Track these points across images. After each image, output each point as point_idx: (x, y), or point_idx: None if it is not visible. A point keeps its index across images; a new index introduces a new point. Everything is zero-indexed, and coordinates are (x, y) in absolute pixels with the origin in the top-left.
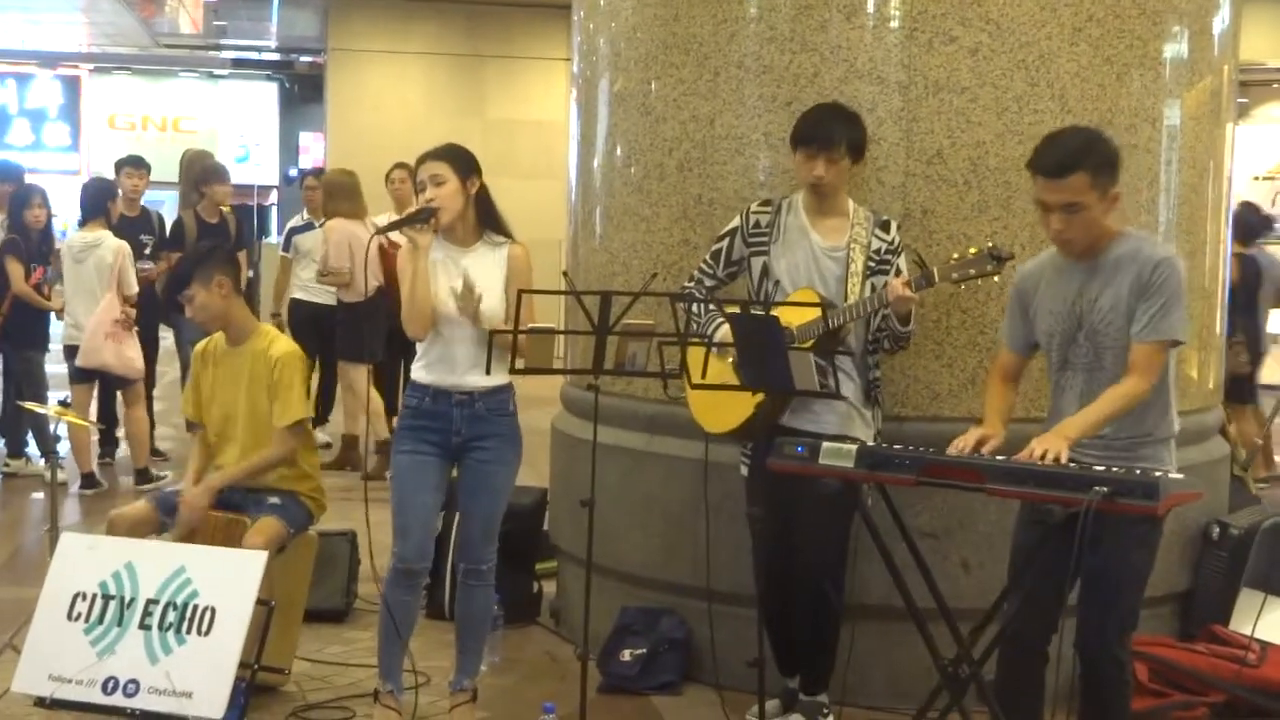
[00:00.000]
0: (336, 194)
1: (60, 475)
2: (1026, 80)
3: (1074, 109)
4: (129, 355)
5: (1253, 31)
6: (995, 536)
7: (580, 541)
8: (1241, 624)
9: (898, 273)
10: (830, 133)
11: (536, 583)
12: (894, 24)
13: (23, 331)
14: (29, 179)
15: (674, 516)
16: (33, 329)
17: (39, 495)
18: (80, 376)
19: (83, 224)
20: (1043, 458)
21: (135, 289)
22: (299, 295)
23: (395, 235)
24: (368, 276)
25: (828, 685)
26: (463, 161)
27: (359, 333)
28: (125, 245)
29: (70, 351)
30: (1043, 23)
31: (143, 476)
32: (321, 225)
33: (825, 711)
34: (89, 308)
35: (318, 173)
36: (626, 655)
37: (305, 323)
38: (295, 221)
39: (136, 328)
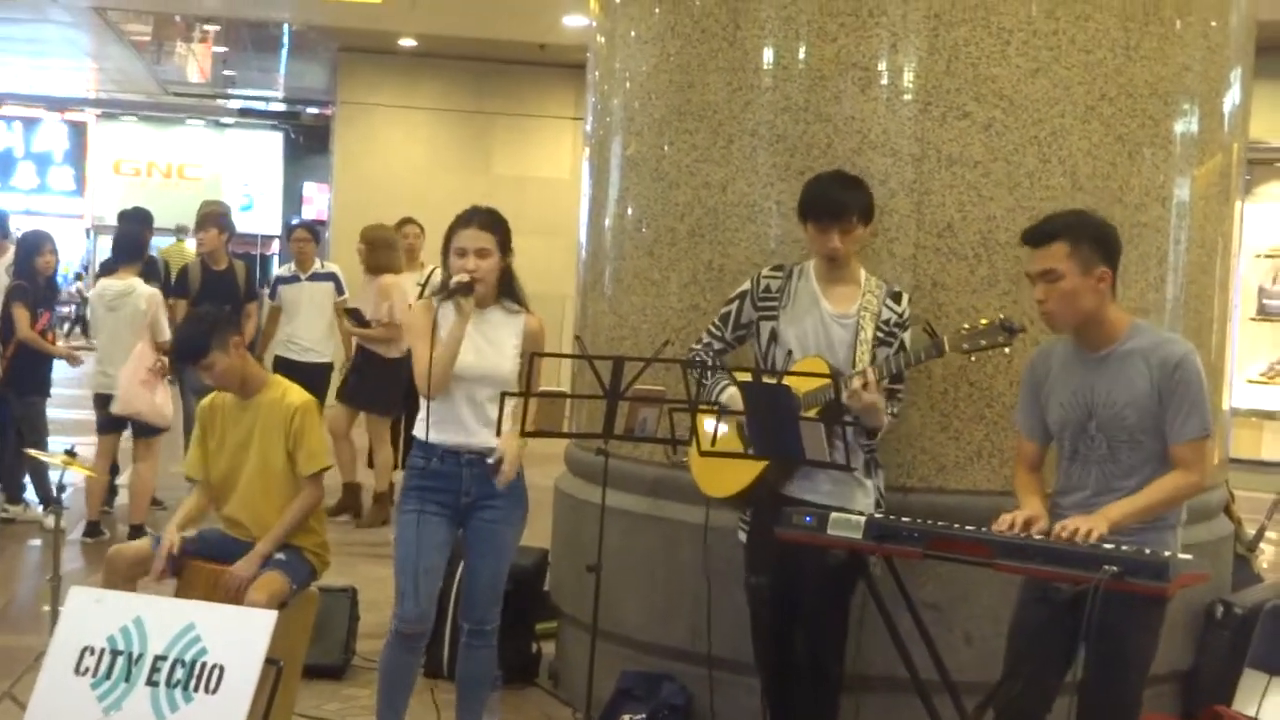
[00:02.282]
0: (383, 247)
1: (61, 523)
2: (1038, 156)
3: (1085, 185)
4: (159, 403)
5: (1256, 110)
6: (999, 609)
7: (582, 604)
8: (1245, 705)
9: (898, 353)
10: (841, 204)
11: (536, 643)
12: (908, 97)
13: (26, 377)
14: (35, 223)
15: (674, 581)
16: (36, 375)
17: (36, 542)
18: (108, 425)
19: (112, 270)
20: (1074, 534)
21: (168, 336)
22: (282, 353)
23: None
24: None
25: None
26: (506, 235)
27: (394, 388)
28: (158, 293)
29: (101, 400)
30: (1055, 100)
31: (136, 532)
32: (310, 277)
33: None
34: (122, 356)
35: (308, 224)
36: None
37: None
38: (283, 272)
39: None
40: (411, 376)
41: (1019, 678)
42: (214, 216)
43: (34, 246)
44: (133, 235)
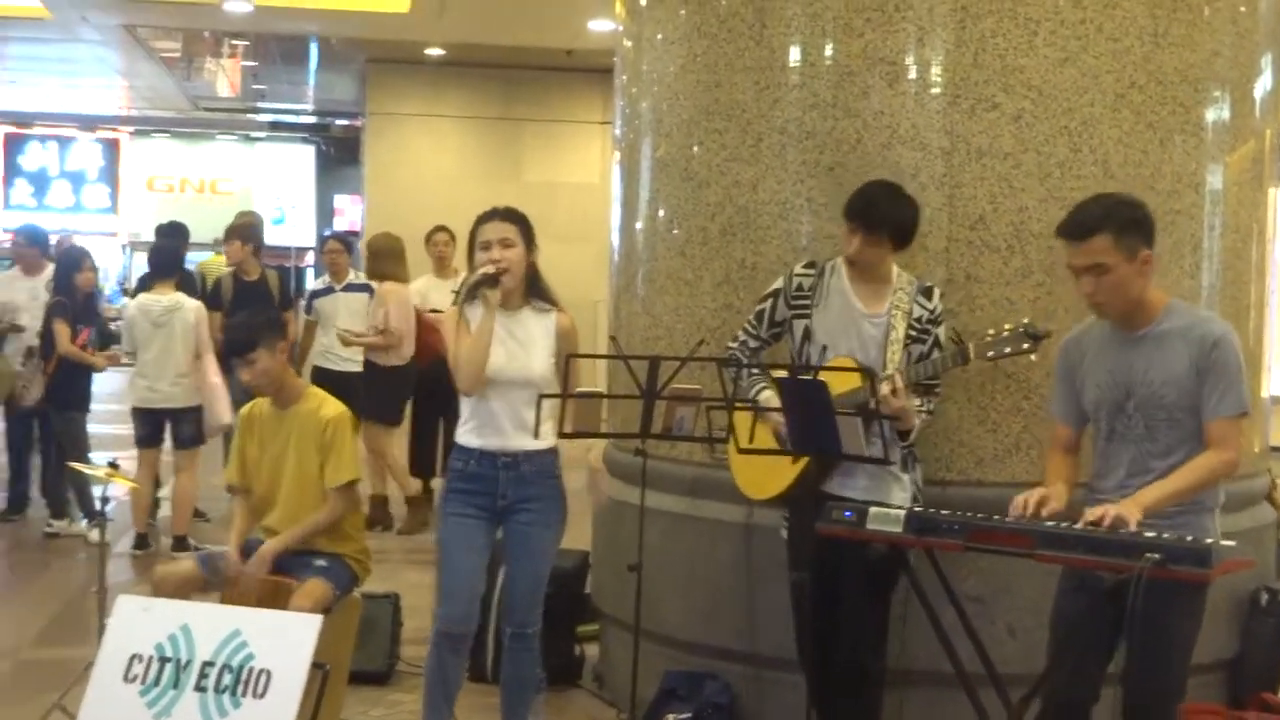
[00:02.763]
0: (386, 256)
1: (106, 536)
2: (1069, 146)
3: (1117, 174)
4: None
5: None
6: (1041, 601)
7: (624, 605)
8: None
9: (931, 351)
10: (877, 216)
11: (578, 646)
12: (936, 90)
13: (66, 392)
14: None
15: (715, 580)
16: (76, 390)
17: (82, 556)
18: (149, 439)
19: (148, 287)
20: (1102, 522)
21: (211, 349)
22: (320, 363)
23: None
24: (408, 341)
25: None
26: (528, 227)
27: (393, 396)
28: (202, 305)
29: (142, 414)
30: (1085, 89)
31: (180, 544)
32: (344, 288)
33: None
34: (171, 370)
35: (340, 235)
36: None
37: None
38: (317, 285)
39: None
40: (413, 384)
41: (1063, 668)
42: (238, 229)
43: (74, 263)
44: (169, 250)
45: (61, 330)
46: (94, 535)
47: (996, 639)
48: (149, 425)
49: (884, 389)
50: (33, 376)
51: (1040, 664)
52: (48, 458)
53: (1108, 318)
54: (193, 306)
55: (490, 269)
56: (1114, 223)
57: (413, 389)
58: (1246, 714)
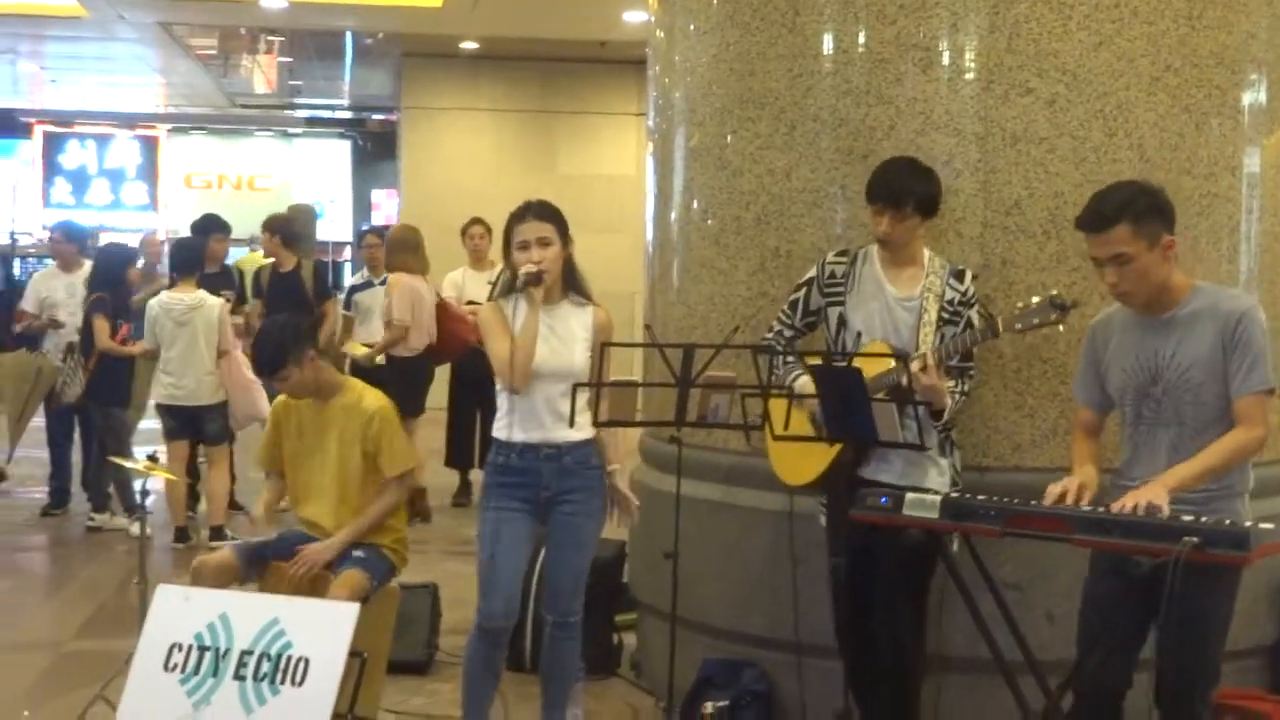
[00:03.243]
0: (398, 248)
1: (147, 529)
2: (1104, 130)
3: (1153, 158)
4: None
5: None
6: (1079, 587)
7: (661, 593)
8: None
9: (964, 331)
10: (899, 191)
11: (616, 634)
12: (970, 76)
13: (108, 387)
14: (112, 239)
15: (753, 568)
16: (117, 385)
17: (122, 549)
18: (177, 433)
19: (173, 284)
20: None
21: (232, 345)
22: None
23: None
24: (416, 333)
25: None
26: (563, 223)
27: (410, 387)
28: (224, 302)
29: (171, 411)
30: (1120, 73)
31: (217, 534)
32: (382, 282)
33: None
34: (195, 368)
35: (378, 230)
36: (709, 708)
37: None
38: (356, 280)
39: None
40: (430, 374)
41: (1096, 653)
42: (269, 222)
43: (123, 260)
44: (190, 248)
45: (101, 326)
46: (134, 529)
47: (1034, 625)
48: (176, 420)
49: (915, 366)
50: (73, 373)
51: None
52: (89, 452)
53: (1134, 306)
54: (215, 304)
55: (532, 268)
56: (1132, 211)
57: (429, 379)
58: None
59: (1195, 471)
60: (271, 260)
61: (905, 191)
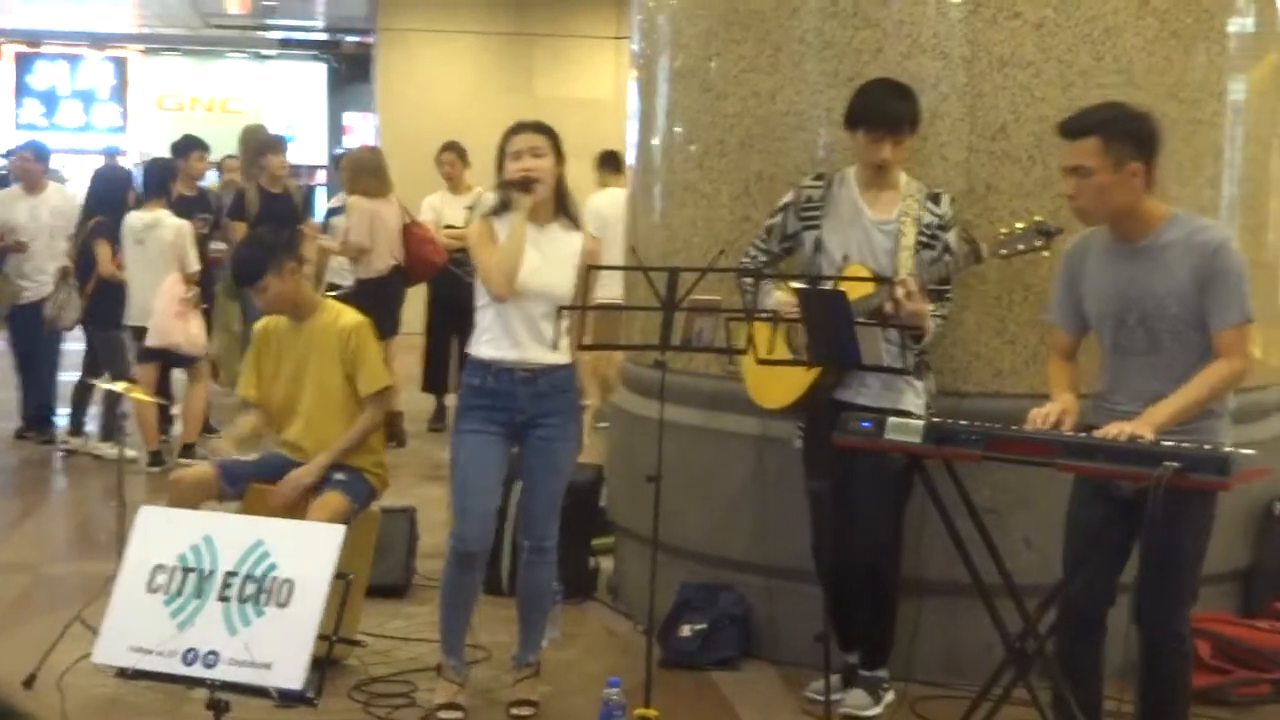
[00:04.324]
0: (359, 171)
1: (128, 452)
2: (1092, 54)
3: (1140, 83)
4: (195, 333)
5: None
6: (1056, 513)
7: (640, 518)
8: None
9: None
10: (896, 115)
11: (593, 558)
12: None
13: (108, 310)
14: (83, 161)
15: (732, 492)
16: (118, 308)
17: (95, 472)
18: (146, 356)
19: (142, 204)
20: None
21: (197, 267)
22: (337, 280)
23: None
24: (378, 254)
25: (887, 660)
26: (557, 141)
27: (385, 309)
28: (186, 224)
29: (138, 331)
30: None
31: (188, 451)
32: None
33: (885, 687)
34: (152, 288)
35: None
36: (686, 631)
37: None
38: (334, 203)
39: (204, 305)
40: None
41: (1080, 576)
42: (278, 141)
43: (121, 183)
44: (158, 168)
45: (104, 251)
46: (111, 452)
47: (1012, 550)
48: (141, 341)
49: (899, 292)
50: (68, 299)
51: (1057, 574)
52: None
53: (1088, 224)
54: (174, 225)
55: (524, 173)
56: (1108, 128)
57: (400, 300)
58: (1258, 621)
59: (1180, 406)
60: (255, 182)
61: (901, 115)
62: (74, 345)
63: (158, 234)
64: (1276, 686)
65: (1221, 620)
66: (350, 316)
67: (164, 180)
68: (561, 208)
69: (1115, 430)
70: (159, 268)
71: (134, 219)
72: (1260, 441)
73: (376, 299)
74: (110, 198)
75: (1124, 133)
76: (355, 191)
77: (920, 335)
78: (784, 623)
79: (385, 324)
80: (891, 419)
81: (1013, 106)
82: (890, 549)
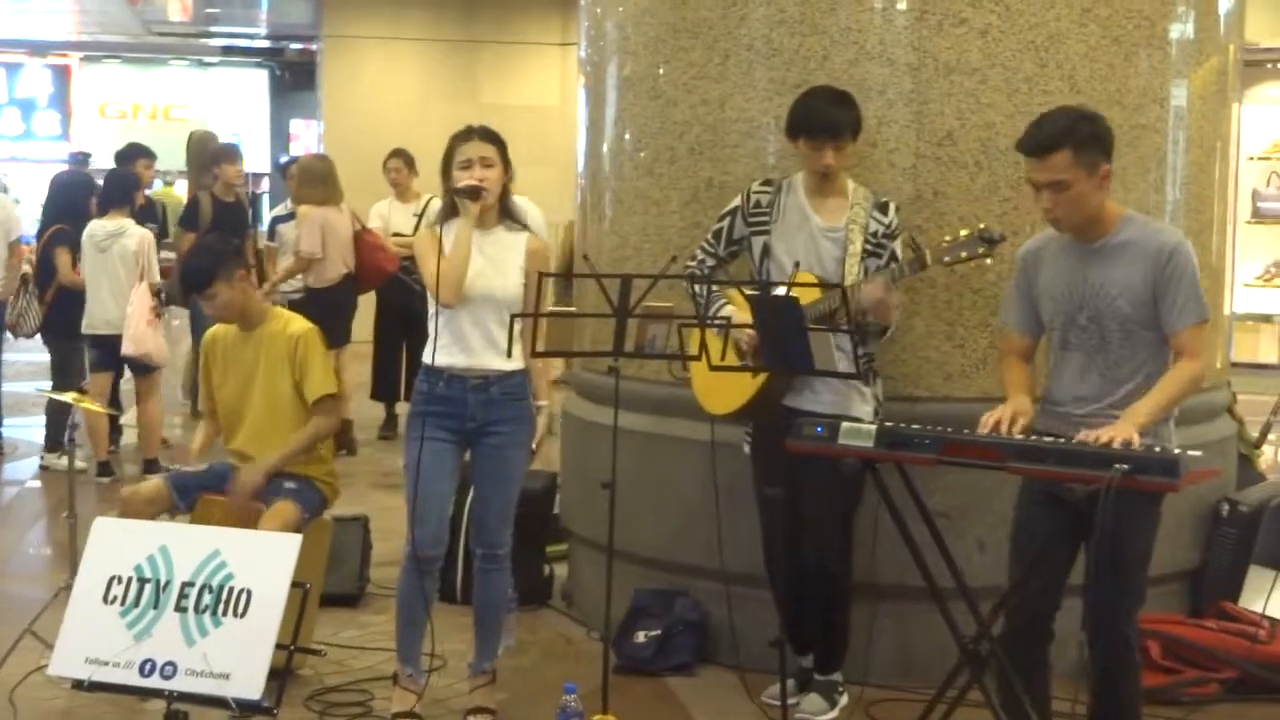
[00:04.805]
0: (308, 180)
1: (81, 464)
2: (1036, 61)
3: (1083, 89)
4: (162, 343)
5: (1251, 11)
6: (1008, 516)
7: (593, 525)
8: (1252, 601)
9: (888, 264)
10: (838, 122)
11: (547, 565)
12: (903, 6)
13: (66, 321)
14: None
15: (686, 499)
16: (76, 318)
17: (36, 484)
18: (101, 364)
19: (104, 213)
20: (1109, 444)
21: (158, 277)
22: (283, 287)
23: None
24: (330, 263)
25: (842, 663)
26: (504, 148)
27: (335, 318)
28: (149, 234)
29: (97, 340)
30: (1051, 3)
31: (152, 466)
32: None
33: (840, 690)
34: (112, 296)
35: None
36: (641, 637)
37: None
38: (279, 210)
39: (164, 313)
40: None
41: (1028, 580)
42: (233, 150)
43: (82, 189)
44: (120, 178)
45: (64, 259)
46: (59, 463)
47: (965, 553)
48: (99, 350)
49: (866, 287)
50: (27, 307)
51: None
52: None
53: (1063, 231)
54: (137, 234)
55: (473, 182)
56: (1074, 138)
57: (352, 308)
58: (1205, 622)
59: (1159, 404)
60: (207, 191)
61: (842, 122)
62: (14, 356)
63: (122, 243)
64: (1225, 686)
65: (1171, 621)
66: (299, 324)
67: (128, 189)
68: (505, 210)
69: (1107, 435)
70: (120, 277)
71: (96, 227)
72: (1210, 442)
73: (327, 307)
74: (70, 205)
75: (1089, 137)
76: (304, 200)
77: (884, 329)
78: (739, 628)
79: (336, 333)
80: (845, 424)
81: (959, 113)
82: (843, 553)
